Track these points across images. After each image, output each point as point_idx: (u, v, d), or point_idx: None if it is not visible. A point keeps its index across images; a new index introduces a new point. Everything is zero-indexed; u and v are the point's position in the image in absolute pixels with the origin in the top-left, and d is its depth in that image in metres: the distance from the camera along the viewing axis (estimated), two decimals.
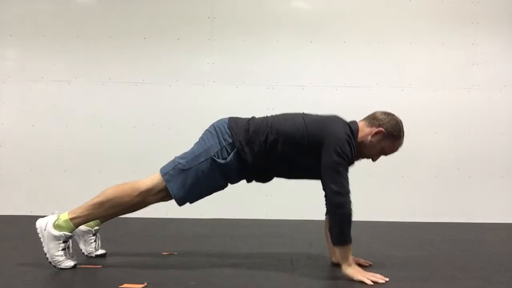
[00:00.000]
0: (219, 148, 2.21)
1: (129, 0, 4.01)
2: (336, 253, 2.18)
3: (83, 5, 4.05)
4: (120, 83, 4.00)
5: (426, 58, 4.02)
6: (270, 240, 3.00)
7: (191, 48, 4.01)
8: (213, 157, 2.20)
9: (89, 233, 2.42)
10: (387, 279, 2.07)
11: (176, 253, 2.57)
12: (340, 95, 3.98)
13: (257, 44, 4.02)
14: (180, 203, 2.25)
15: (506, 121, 4.02)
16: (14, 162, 3.96)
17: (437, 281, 2.12)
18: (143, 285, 1.94)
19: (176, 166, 2.21)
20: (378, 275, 2.08)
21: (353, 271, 2.09)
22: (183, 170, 2.20)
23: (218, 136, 2.24)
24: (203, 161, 2.20)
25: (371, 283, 2.02)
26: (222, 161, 2.19)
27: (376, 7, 4.03)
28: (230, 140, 2.21)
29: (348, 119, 2.33)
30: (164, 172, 2.22)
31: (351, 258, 2.11)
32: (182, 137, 3.92)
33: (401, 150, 2.33)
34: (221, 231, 3.36)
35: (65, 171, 3.96)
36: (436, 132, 4.01)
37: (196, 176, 2.19)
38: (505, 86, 4.03)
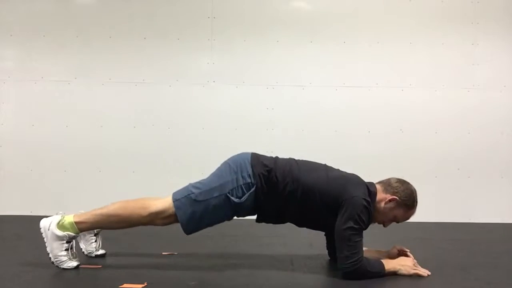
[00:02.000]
0: (235, 186, 2.18)
1: (129, 0, 4.01)
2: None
3: (83, 5, 4.05)
4: (120, 83, 4.00)
5: (426, 58, 4.02)
6: (270, 240, 3.00)
7: (191, 48, 4.01)
8: (227, 194, 2.17)
9: (91, 233, 2.42)
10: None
11: (176, 253, 2.57)
12: (340, 95, 3.98)
13: (257, 44, 4.02)
14: (187, 232, 2.24)
15: (506, 121, 4.02)
16: (14, 162, 3.96)
17: (437, 281, 2.12)
18: (143, 285, 1.94)
19: (188, 195, 2.18)
20: (422, 269, 2.20)
21: (405, 269, 2.17)
22: (195, 201, 2.17)
23: (236, 173, 2.20)
24: (216, 196, 2.17)
25: (426, 275, 2.16)
26: (237, 200, 2.17)
27: (376, 7, 4.03)
28: (249, 180, 2.18)
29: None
30: (176, 198, 2.20)
31: (393, 265, 2.18)
32: (182, 137, 3.97)
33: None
34: (221, 231, 3.35)
35: (65, 171, 3.96)
36: (436, 132, 4.01)
37: (206, 209, 2.17)
38: (505, 86, 4.03)
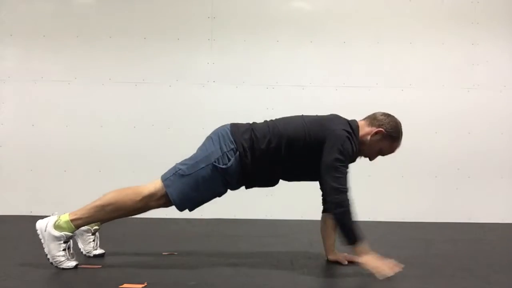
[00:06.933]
0: (220, 154, 2.21)
1: (129, 0, 4.02)
2: (356, 253, 2.16)
3: (83, 5, 4.05)
4: (120, 83, 4.00)
5: (426, 58, 4.02)
6: (270, 240, 3.00)
7: (191, 48, 4.01)
8: (214, 163, 2.20)
9: (88, 232, 2.42)
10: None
11: (176, 253, 2.57)
12: (340, 95, 3.98)
13: (257, 44, 4.02)
14: (180, 208, 2.26)
15: (506, 121, 4.02)
16: (14, 162, 3.96)
17: (437, 281, 2.12)
18: (143, 285, 1.94)
19: (176, 172, 2.23)
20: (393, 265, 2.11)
21: (375, 261, 2.10)
22: (183, 176, 2.20)
23: (219, 142, 2.24)
24: (203, 167, 2.20)
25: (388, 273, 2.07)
26: (223, 166, 2.19)
27: (376, 7, 4.03)
28: (232, 146, 2.22)
29: (348, 118, 2.34)
30: (165, 178, 2.24)
31: (367, 249, 2.12)
32: (182, 137, 3.97)
33: (401, 150, 2.34)
34: (221, 231, 3.36)
35: (65, 171, 3.96)
36: (436, 132, 4.01)
37: (196, 182, 2.20)
38: (505, 86, 4.03)
